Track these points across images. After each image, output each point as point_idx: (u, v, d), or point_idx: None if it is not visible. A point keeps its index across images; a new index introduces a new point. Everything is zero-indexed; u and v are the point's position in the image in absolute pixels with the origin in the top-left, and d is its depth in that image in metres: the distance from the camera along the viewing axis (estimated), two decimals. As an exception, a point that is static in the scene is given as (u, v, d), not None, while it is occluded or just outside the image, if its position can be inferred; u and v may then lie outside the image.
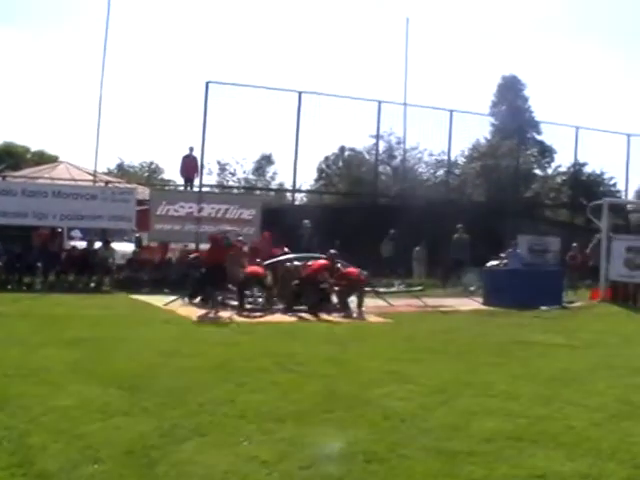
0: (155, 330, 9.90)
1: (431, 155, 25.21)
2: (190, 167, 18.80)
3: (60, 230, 18.08)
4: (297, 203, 23.73)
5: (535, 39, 57.74)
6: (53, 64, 58.43)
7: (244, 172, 26.67)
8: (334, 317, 12.27)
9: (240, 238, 15.61)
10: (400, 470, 4.25)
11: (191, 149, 18.72)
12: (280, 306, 12.88)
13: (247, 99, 19.04)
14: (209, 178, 23.41)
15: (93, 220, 16.98)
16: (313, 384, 6.48)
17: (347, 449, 4.57)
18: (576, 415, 5.65)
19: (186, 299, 13.20)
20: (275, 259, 14.02)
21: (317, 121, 20.11)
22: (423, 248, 19.69)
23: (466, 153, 27.08)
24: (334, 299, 13.17)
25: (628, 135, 24.06)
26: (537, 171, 28.52)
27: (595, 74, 55.30)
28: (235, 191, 24.66)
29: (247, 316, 11.93)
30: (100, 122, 19.51)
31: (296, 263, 13.84)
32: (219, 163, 25.80)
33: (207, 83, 18.60)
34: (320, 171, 28.69)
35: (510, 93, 35.16)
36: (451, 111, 22.08)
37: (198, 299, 13.18)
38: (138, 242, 18.67)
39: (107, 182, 20.42)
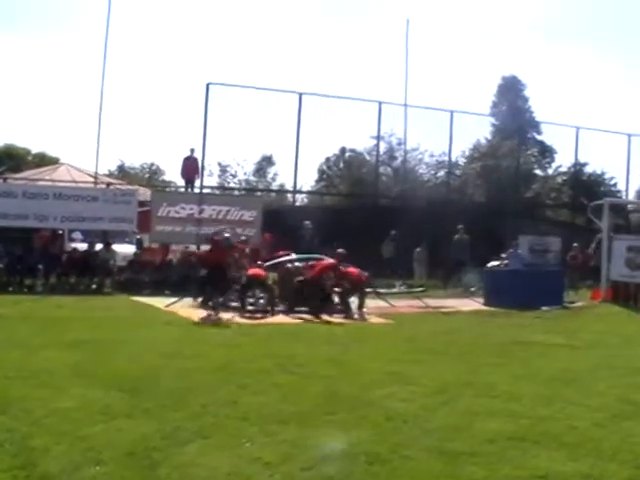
0: (156, 332, 9.90)
1: (432, 156, 25.26)
2: (191, 169, 18.81)
3: (61, 232, 18.08)
4: (298, 204, 23.75)
5: (535, 39, 57.83)
6: (54, 66, 58.46)
7: (245, 173, 26.76)
8: (335, 318, 12.27)
9: (243, 238, 15.66)
10: (402, 471, 4.26)
11: (192, 150, 18.74)
12: (281, 307, 12.89)
13: (248, 100, 19.06)
14: (210, 179, 23.51)
15: (94, 222, 16.98)
16: (315, 385, 6.48)
17: (349, 450, 4.57)
18: (578, 415, 5.65)
19: (199, 300, 13.20)
20: (276, 260, 14.02)
21: (318, 122, 20.14)
22: (424, 249, 19.68)
23: (467, 154, 27.15)
24: (335, 299, 13.18)
25: (629, 135, 24.07)
26: (538, 171, 28.52)
27: (595, 74, 55.31)
28: (236, 192, 24.65)
29: (249, 317, 11.93)
30: (101, 124, 19.49)
31: (297, 264, 13.84)
32: (220, 164, 25.88)
33: (208, 84, 18.62)
34: (321, 172, 28.71)
35: (510, 93, 35.14)
36: (451, 112, 22.08)
37: (202, 300, 13.18)
38: (139, 244, 18.67)
39: (108, 184, 20.44)
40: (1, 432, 4.71)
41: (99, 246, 16.80)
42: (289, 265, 13.83)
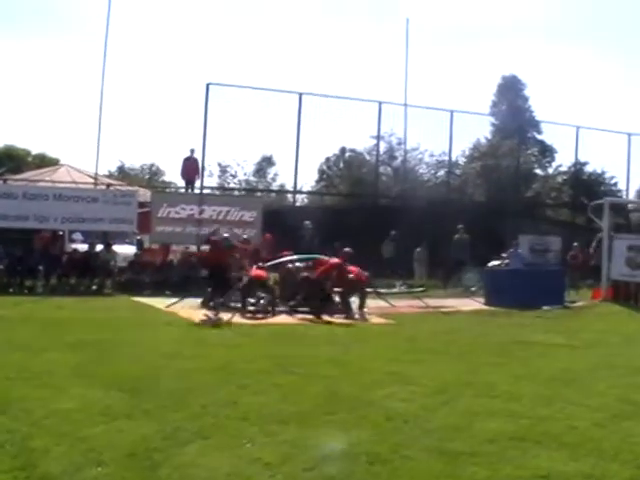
0: (157, 332, 9.90)
1: (432, 155, 25.27)
2: (191, 169, 18.82)
3: (61, 233, 18.11)
4: (298, 204, 23.77)
5: (535, 39, 57.78)
6: (54, 67, 58.59)
7: (245, 174, 26.75)
8: (336, 318, 12.27)
9: (245, 237, 15.68)
10: (403, 471, 4.25)
11: (192, 151, 18.75)
12: (282, 308, 12.89)
13: (248, 101, 19.09)
14: (210, 180, 23.51)
15: (94, 223, 17.00)
16: (315, 386, 6.48)
17: (350, 450, 4.57)
18: (578, 415, 5.64)
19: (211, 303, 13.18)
20: (277, 260, 14.02)
21: (318, 122, 20.17)
22: (424, 249, 19.68)
23: (467, 153, 27.16)
24: (336, 299, 13.17)
25: (629, 134, 24.07)
26: (538, 171, 28.52)
27: (595, 73, 55.35)
28: (236, 193, 24.66)
29: (249, 318, 11.93)
30: (101, 125, 19.56)
31: (297, 264, 13.84)
32: (220, 165, 25.87)
33: (207, 85, 18.64)
34: (321, 172, 28.72)
35: (510, 93, 35.15)
36: (451, 111, 22.09)
37: (202, 300, 13.16)
38: (139, 244, 18.68)
39: (108, 185, 20.47)
40: (1, 433, 4.71)
41: (99, 247, 16.82)
42: (290, 265, 13.84)
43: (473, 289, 16.73)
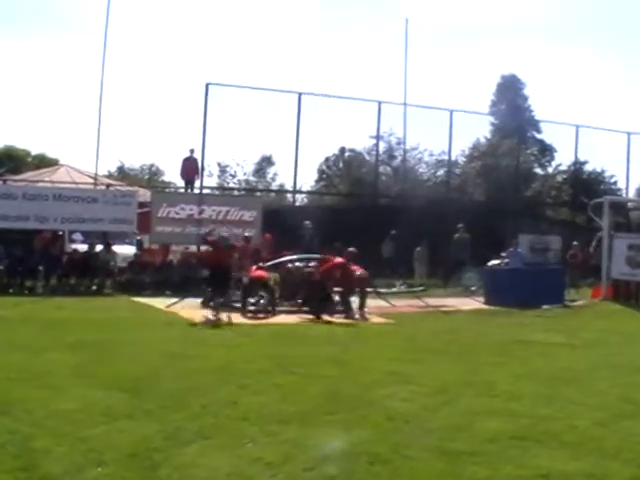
0: (157, 332, 9.91)
1: (431, 155, 25.26)
2: (191, 169, 18.80)
3: (61, 233, 18.10)
4: (298, 204, 23.74)
5: (535, 38, 57.75)
6: (53, 67, 58.50)
7: (244, 174, 26.78)
8: (336, 318, 12.27)
9: (247, 234, 15.68)
10: (404, 471, 4.26)
11: (191, 151, 18.73)
12: (283, 307, 12.88)
13: (247, 100, 19.03)
14: (210, 180, 23.55)
15: (94, 223, 16.98)
16: (315, 385, 6.48)
17: (350, 450, 4.57)
18: (579, 414, 5.65)
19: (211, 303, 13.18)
20: (277, 260, 14.02)
21: (317, 122, 20.10)
22: (424, 248, 19.68)
23: (466, 152, 27.11)
24: (336, 299, 13.17)
25: (628, 133, 24.02)
26: (537, 170, 28.55)
27: (595, 73, 55.33)
28: (236, 193, 24.65)
29: (250, 318, 11.93)
30: (100, 125, 19.52)
31: (297, 264, 13.84)
32: (219, 165, 25.90)
33: (207, 85, 18.59)
34: (320, 172, 28.73)
35: (510, 92, 35.16)
36: (451, 111, 22.04)
37: (202, 300, 13.16)
38: (139, 245, 18.68)
39: (108, 185, 20.46)
40: (2, 433, 4.71)
41: (99, 247, 16.81)
42: (290, 265, 13.84)
43: (473, 288, 16.73)
